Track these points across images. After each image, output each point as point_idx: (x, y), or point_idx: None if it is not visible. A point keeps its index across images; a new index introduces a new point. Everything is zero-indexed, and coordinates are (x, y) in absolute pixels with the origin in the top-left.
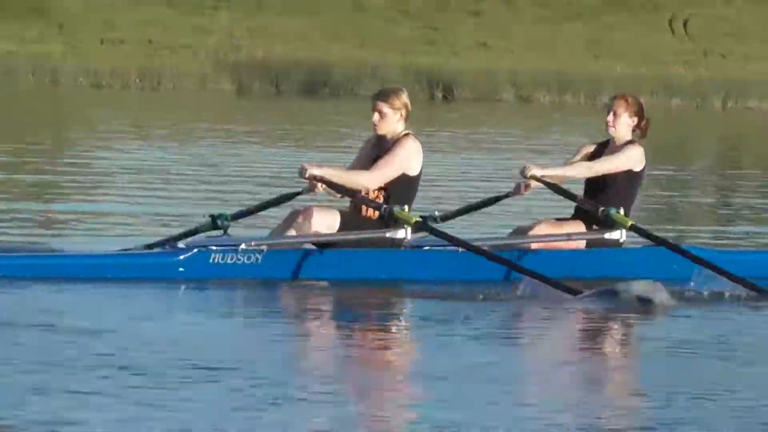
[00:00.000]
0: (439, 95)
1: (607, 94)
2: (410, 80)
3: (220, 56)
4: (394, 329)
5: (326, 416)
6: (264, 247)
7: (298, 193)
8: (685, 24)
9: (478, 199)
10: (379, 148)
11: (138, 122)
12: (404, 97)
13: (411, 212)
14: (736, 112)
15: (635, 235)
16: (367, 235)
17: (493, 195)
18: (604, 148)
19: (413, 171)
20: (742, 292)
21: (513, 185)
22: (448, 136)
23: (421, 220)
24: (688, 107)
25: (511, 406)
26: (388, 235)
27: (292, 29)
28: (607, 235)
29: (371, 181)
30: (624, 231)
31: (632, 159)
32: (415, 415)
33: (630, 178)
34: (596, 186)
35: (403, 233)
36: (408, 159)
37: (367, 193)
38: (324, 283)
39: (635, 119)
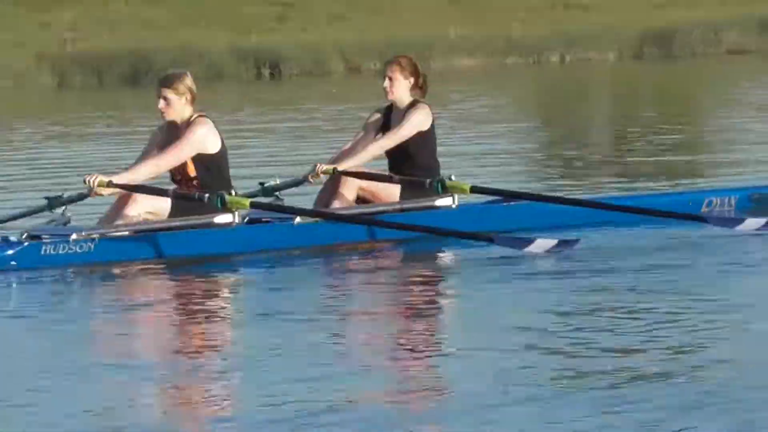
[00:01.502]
0: (266, 73)
1: (441, 58)
2: (236, 59)
3: (50, 51)
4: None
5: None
6: (96, 236)
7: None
8: None
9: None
10: (171, 135)
11: None
12: (188, 81)
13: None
14: (574, 66)
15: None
16: (195, 222)
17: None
18: (390, 112)
19: (211, 149)
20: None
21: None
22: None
23: (252, 200)
24: (524, 64)
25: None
26: (215, 220)
27: (139, 16)
28: (438, 202)
29: (159, 164)
30: (456, 196)
31: (416, 122)
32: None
33: (423, 139)
34: (397, 157)
35: (230, 218)
36: (201, 140)
37: (181, 187)
38: (161, 266)
39: (412, 79)
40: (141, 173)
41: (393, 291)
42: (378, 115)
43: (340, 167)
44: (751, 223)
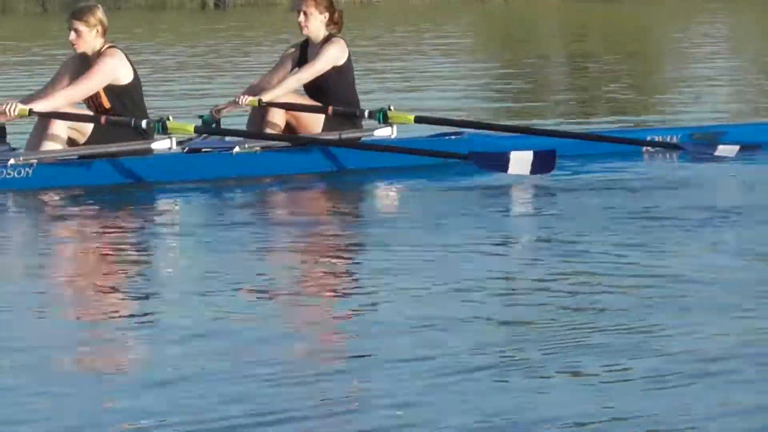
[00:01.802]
0: (211, 4)
1: None
2: None
3: None
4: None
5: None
6: (34, 161)
7: None
8: None
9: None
10: (83, 66)
11: None
12: (99, 14)
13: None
14: (518, 3)
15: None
16: (133, 147)
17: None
18: (306, 47)
19: (123, 80)
20: None
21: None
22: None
23: (197, 125)
24: (468, 0)
25: None
26: (154, 146)
27: None
28: (377, 132)
29: (72, 94)
30: (395, 127)
31: (331, 57)
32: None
33: (339, 73)
34: (315, 90)
35: (168, 143)
36: (110, 71)
37: (102, 112)
38: (97, 192)
39: (327, 14)
40: (54, 102)
41: (328, 225)
42: (293, 50)
43: (264, 98)
44: (726, 149)
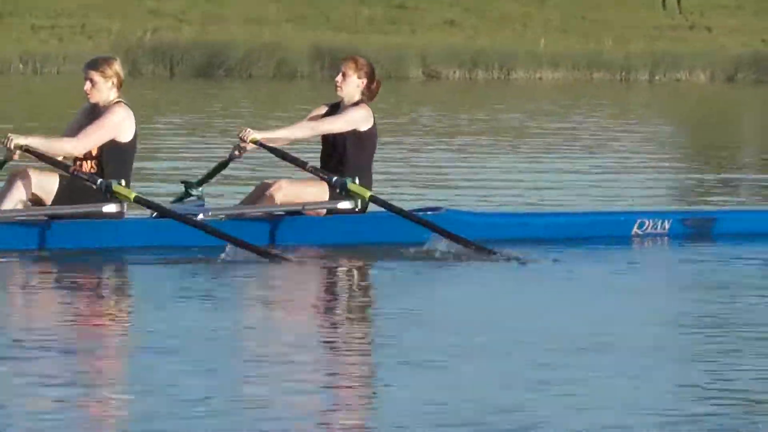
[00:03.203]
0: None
1: (522, 69)
2: (310, 59)
3: (131, 41)
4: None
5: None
6: None
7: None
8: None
9: (208, 169)
10: (93, 116)
11: None
12: (116, 66)
13: (130, 186)
14: (662, 85)
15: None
16: (84, 210)
17: (217, 162)
18: (336, 109)
19: (124, 137)
20: (468, 252)
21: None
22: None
23: (137, 195)
24: (611, 80)
25: None
26: (104, 209)
27: (250, 12)
28: (340, 205)
29: (76, 146)
30: (360, 200)
31: (354, 120)
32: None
33: (359, 139)
34: (329, 151)
35: (115, 207)
36: (118, 125)
37: (80, 167)
38: (48, 254)
39: (364, 80)
40: (57, 147)
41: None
42: (325, 108)
43: (266, 135)
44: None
